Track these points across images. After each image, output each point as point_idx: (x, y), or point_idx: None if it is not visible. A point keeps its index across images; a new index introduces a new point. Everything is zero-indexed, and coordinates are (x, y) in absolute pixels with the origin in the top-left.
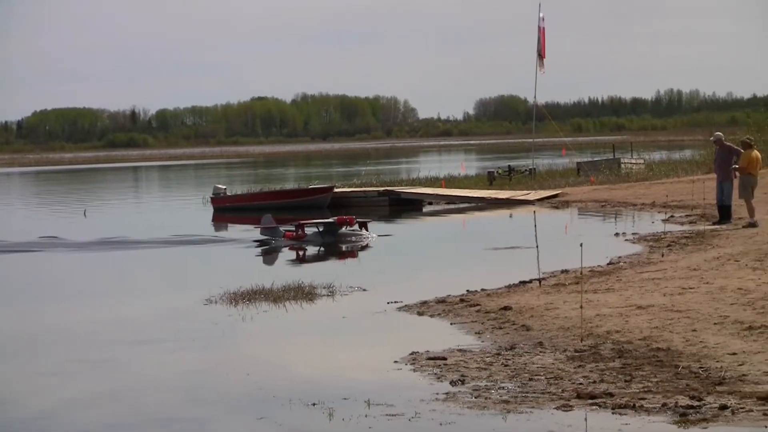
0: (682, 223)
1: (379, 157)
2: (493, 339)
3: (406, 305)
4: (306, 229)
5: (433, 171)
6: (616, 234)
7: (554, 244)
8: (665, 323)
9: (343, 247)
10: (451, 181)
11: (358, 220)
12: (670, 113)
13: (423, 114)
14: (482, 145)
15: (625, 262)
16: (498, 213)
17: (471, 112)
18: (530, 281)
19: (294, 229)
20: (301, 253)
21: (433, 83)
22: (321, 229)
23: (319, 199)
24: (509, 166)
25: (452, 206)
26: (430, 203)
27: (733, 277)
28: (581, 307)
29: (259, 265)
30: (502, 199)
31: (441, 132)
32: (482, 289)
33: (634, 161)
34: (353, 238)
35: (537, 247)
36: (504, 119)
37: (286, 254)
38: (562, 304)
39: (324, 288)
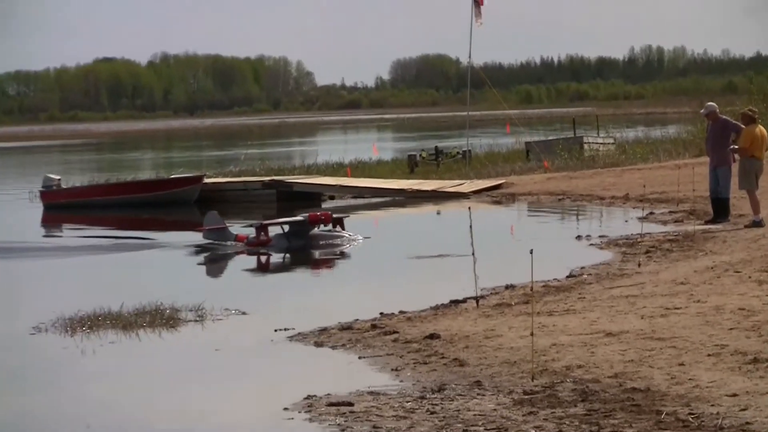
0: (664, 223)
1: (264, 137)
2: (416, 378)
3: (299, 333)
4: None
5: (335, 155)
6: (578, 237)
7: (496, 251)
8: (643, 355)
9: (316, 254)
10: (359, 169)
11: (334, 216)
12: (649, 78)
13: (322, 80)
14: (401, 120)
15: (590, 275)
16: (422, 210)
17: (386, 77)
18: (465, 300)
19: (254, 232)
20: (263, 260)
21: (334, 40)
22: (287, 230)
23: (185, 193)
24: (436, 147)
25: (361, 201)
26: (332, 197)
27: (732, 294)
28: (532, 334)
29: (191, 279)
30: (428, 191)
31: (346, 103)
32: (401, 312)
33: (600, 141)
34: (330, 241)
35: (473, 254)
36: (429, 86)
37: (241, 262)
38: (506, 331)
39: (191, 311)
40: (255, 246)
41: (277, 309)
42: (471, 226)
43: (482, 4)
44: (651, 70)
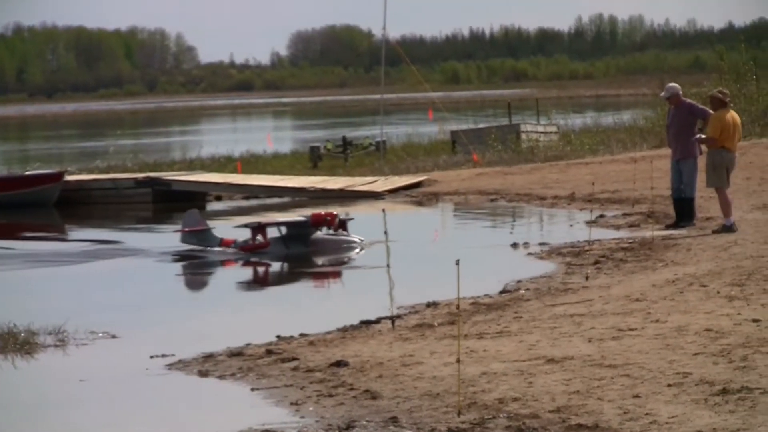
0: (617, 227)
1: (137, 125)
2: (320, 413)
3: (180, 360)
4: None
5: (223, 147)
6: (514, 245)
7: (416, 262)
8: (591, 385)
9: (319, 261)
10: (252, 164)
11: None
12: (599, 53)
13: (207, 57)
14: (302, 104)
15: (528, 290)
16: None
17: (284, 53)
18: (378, 321)
19: (250, 234)
20: (260, 270)
21: (223, 9)
22: (285, 233)
23: (41, 193)
24: (344, 138)
25: (254, 202)
26: (219, 198)
27: (697, 312)
28: (458, 361)
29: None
30: (334, 190)
31: (236, 84)
32: (302, 334)
33: (541, 129)
34: (335, 246)
35: (388, 266)
36: (336, 63)
37: (230, 272)
38: (428, 357)
39: (50, 334)
40: (249, 251)
41: (150, 331)
42: (386, 232)
43: None
44: (602, 44)
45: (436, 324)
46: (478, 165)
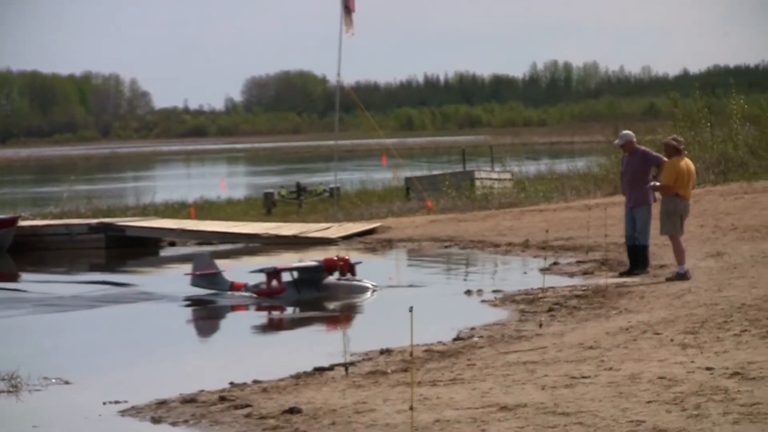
0: (571, 275)
1: (91, 171)
2: None
3: (133, 407)
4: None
5: (177, 193)
6: (468, 292)
7: (370, 309)
8: None
9: (330, 306)
10: (205, 209)
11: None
12: (554, 100)
13: (161, 102)
14: (256, 150)
15: (481, 337)
16: (281, 258)
17: (238, 98)
18: (331, 368)
19: (265, 279)
20: (276, 315)
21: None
22: (296, 277)
23: None
24: (298, 184)
25: (208, 248)
26: (173, 243)
27: (651, 360)
28: (412, 408)
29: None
30: (288, 236)
31: (190, 130)
32: (255, 381)
33: (495, 176)
34: (347, 292)
35: (342, 313)
36: (290, 109)
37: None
38: (381, 404)
39: (2, 380)
40: (264, 296)
41: (104, 377)
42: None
43: (353, 11)
44: (557, 91)
45: (389, 371)
46: (432, 212)
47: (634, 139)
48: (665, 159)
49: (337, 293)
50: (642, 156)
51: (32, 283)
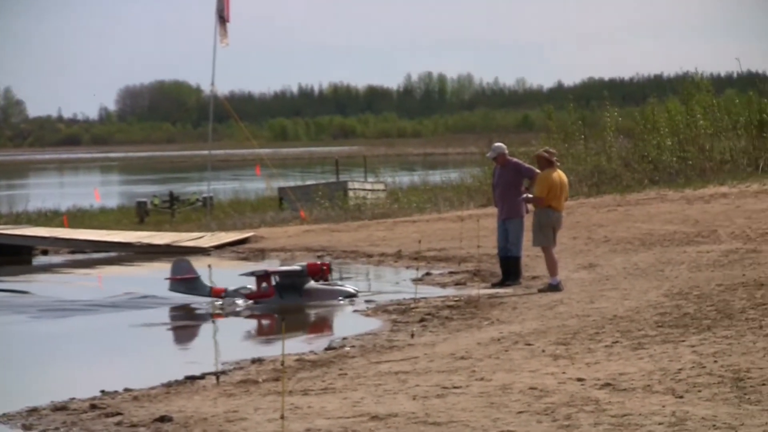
0: (443, 285)
1: None
2: None
3: (4, 414)
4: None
5: (50, 201)
6: (340, 302)
7: (240, 319)
8: None
9: (312, 313)
10: (78, 218)
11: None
12: (428, 111)
13: (35, 111)
14: (130, 159)
15: (353, 347)
16: (152, 267)
17: (112, 107)
18: (202, 376)
19: (254, 283)
20: (263, 322)
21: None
22: (278, 281)
23: None
24: (171, 193)
25: (81, 256)
26: (45, 252)
27: (522, 371)
28: (283, 417)
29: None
30: (160, 245)
31: (64, 139)
32: (126, 389)
33: (369, 187)
34: (328, 297)
35: (213, 322)
36: (164, 119)
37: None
38: (252, 413)
39: None
40: (253, 299)
41: None
42: (211, 289)
43: (228, 21)
44: (431, 102)
45: (260, 380)
46: (306, 222)
47: (506, 151)
48: (538, 171)
49: (318, 297)
50: (514, 168)
51: None
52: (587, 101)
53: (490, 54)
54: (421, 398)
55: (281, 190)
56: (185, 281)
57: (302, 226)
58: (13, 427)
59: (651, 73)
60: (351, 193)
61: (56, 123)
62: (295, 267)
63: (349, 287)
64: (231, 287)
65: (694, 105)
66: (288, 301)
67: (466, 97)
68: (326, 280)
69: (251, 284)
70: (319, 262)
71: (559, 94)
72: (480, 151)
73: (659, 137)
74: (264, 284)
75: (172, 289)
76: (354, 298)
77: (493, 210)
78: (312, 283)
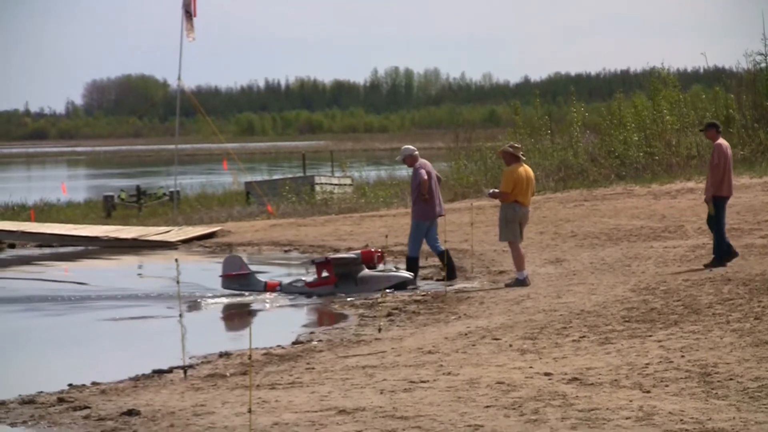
0: None
1: None
2: None
3: None
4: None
5: (16, 195)
6: (308, 295)
7: (209, 313)
8: None
9: (370, 297)
10: (45, 212)
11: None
12: (394, 106)
13: (2, 104)
14: (96, 153)
15: (320, 341)
16: (120, 261)
17: (78, 102)
18: (170, 370)
19: (315, 270)
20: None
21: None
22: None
23: None
24: (138, 188)
25: (47, 250)
26: (12, 246)
27: (489, 365)
28: (250, 411)
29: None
30: (127, 239)
31: (30, 133)
32: (93, 383)
33: (336, 181)
34: (385, 282)
35: (181, 316)
36: (131, 113)
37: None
38: (219, 407)
39: None
40: (314, 287)
41: None
42: (179, 283)
43: (195, 16)
44: (397, 97)
45: (228, 374)
46: (272, 216)
47: (415, 153)
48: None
49: (373, 285)
50: (414, 172)
51: None
52: (554, 96)
53: (456, 49)
54: (388, 392)
55: (248, 184)
56: (238, 277)
57: (269, 221)
58: None
59: (618, 68)
60: (318, 188)
61: (23, 117)
62: (351, 255)
63: (405, 273)
64: (285, 281)
65: (661, 100)
66: (342, 287)
67: (433, 92)
68: (376, 267)
69: (305, 276)
70: (372, 249)
71: (525, 89)
72: (446, 146)
73: (626, 132)
74: (324, 272)
75: (225, 286)
76: (411, 285)
77: (459, 205)
78: (366, 271)
